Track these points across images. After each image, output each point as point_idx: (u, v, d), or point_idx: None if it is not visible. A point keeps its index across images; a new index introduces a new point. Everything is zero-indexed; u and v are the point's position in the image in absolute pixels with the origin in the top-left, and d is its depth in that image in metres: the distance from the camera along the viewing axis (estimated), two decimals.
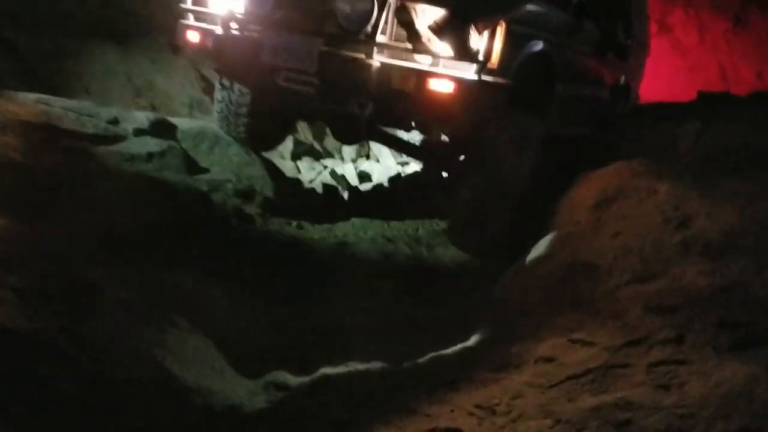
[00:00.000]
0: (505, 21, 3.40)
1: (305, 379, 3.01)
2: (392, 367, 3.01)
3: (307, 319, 3.61)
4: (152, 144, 4.52)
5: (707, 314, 2.29)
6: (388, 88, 3.38)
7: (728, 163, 3.32)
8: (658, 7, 11.70)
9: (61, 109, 4.39)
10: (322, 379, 2.95)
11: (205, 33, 3.93)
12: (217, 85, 4.58)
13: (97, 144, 4.38)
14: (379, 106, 3.45)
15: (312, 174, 6.09)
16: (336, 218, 5.03)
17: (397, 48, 3.46)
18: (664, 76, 11.55)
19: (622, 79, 6.04)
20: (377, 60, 3.39)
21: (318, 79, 3.54)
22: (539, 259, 3.23)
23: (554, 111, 4.34)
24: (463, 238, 3.96)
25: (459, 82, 3.31)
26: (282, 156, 6.06)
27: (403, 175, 6.32)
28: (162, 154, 4.48)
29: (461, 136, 3.90)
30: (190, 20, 4.08)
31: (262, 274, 3.92)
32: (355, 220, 5.05)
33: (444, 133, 3.90)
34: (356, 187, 5.92)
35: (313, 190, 5.67)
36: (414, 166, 6.61)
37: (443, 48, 3.34)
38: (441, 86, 3.31)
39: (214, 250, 3.97)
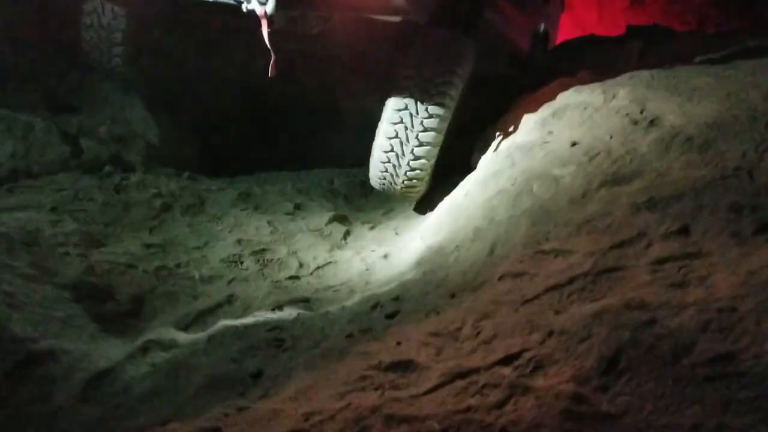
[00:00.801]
0: None
1: (199, 335, 2.35)
2: (310, 313, 2.40)
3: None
4: None
5: (714, 201, 1.82)
6: None
7: (681, 71, 2.92)
8: None
9: None
10: (222, 331, 2.29)
11: None
12: (84, 6, 3.76)
13: None
14: (283, 3, 2.80)
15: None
16: (235, 174, 4.35)
17: None
18: None
19: (542, 26, 5.67)
20: None
21: None
22: (482, 179, 2.70)
23: (480, 39, 3.82)
24: (387, 175, 3.38)
25: None
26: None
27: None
28: (16, 87, 3.66)
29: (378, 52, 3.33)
30: None
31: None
32: (259, 174, 4.39)
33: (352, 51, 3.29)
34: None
35: (206, 146, 4.93)
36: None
37: None
38: None
39: (83, 198, 3.21)
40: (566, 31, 12.14)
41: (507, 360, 1.45)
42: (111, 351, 2.22)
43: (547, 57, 4.90)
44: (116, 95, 3.96)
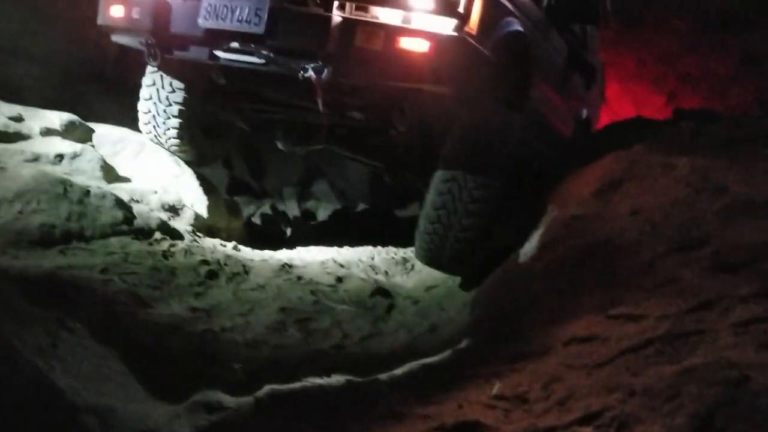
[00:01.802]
0: None
1: (246, 398, 2.26)
2: (363, 379, 2.31)
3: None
4: (63, 145, 3.79)
5: None
6: (351, 49, 2.83)
7: (738, 147, 2.88)
8: None
9: None
10: (269, 396, 2.21)
11: (130, 4, 3.32)
12: (144, 80, 3.91)
13: None
14: (339, 71, 2.87)
15: (250, 209, 5.40)
16: (278, 246, 4.35)
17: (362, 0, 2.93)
18: None
19: (584, 112, 5.72)
20: (338, 15, 2.85)
21: (267, 43, 2.96)
22: (539, 249, 2.64)
23: (527, 115, 3.84)
24: (433, 246, 3.32)
25: (435, 39, 2.79)
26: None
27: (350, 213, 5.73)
28: (74, 156, 3.76)
29: (429, 123, 3.35)
30: None
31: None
32: (300, 248, 4.39)
33: (406, 122, 3.33)
34: (299, 220, 5.28)
35: (251, 221, 4.99)
36: (362, 207, 6.03)
37: (415, 2, 2.83)
38: (414, 45, 2.79)
39: (132, 262, 3.22)
40: (604, 124, 12.32)
41: (586, 419, 1.35)
42: (155, 411, 2.14)
43: (592, 138, 4.90)
44: (168, 168, 4.04)
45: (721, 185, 2.40)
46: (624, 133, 3.76)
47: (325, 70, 2.88)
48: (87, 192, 3.43)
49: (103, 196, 3.48)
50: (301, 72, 2.92)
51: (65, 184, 3.38)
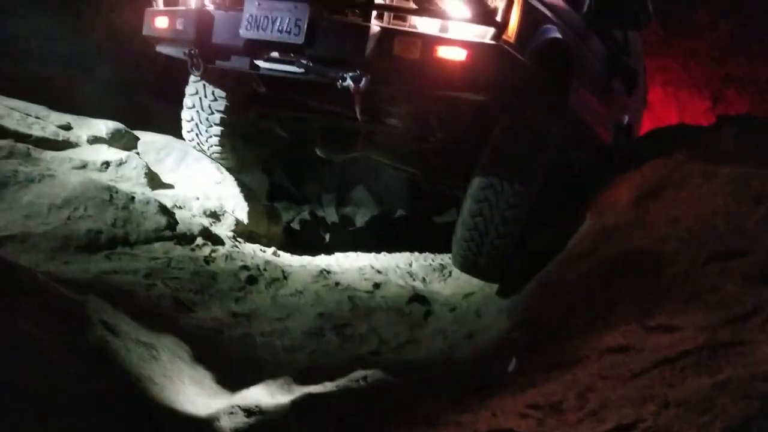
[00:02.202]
0: None
1: (284, 402, 2.31)
2: (396, 380, 2.33)
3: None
4: (109, 153, 3.92)
5: None
6: (389, 57, 2.86)
7: None
8: None
9: (3, 108, 3.79)
10: (306, 399, 2.25)
11: (174, 15, 3.41)
12: (187, 89, 4.02)
13: (44, 148, 3.76)
14: (377, 80, 2.90)
15: (289, 215, 5.47)
16: (317, 252, 4.41)
17: (399, 9, 2.96)
18: None
19: (626, 118, 5.65)
20: (376, 24, 2.89)
21: (306, 53, 3.01)
22: (575, 257, 2.63)
23: (566, 120, 3.81)
24: (469, 253, 3.32)
25: (473, 48, 2.81)
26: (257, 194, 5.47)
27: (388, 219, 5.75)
28: (120, 164, 3.87)
29: (466, 130, 3.37)
30: (159, 4, 3.57)
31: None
32: (339, 254, 4.43)
33: (444, 129, 3.35)
34: (338, 226, 5.32)
35: (290, 226, 5.05)
36: (401, 212, 6.05)
37: (454, 8, 2.85)
38: (451, 54, 2.81)
39: (175, 267, 3.31)
40: (645, 131, 12.13)
41: (620, 430, 1.35)
42: (196, 413, 2.20)
43: (634, 144, 4.84)
44: (210, 174, 4.12)
45: (762, 194, 2.36)
46: (665, 139, 3.71)
47: (364, 79, 2.91)
48: (132, 198, 3.53)
49: (148, 202, 3.58)
50: (340, 81, 2.96)
51: (111, 191, 3.49)
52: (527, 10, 3.04)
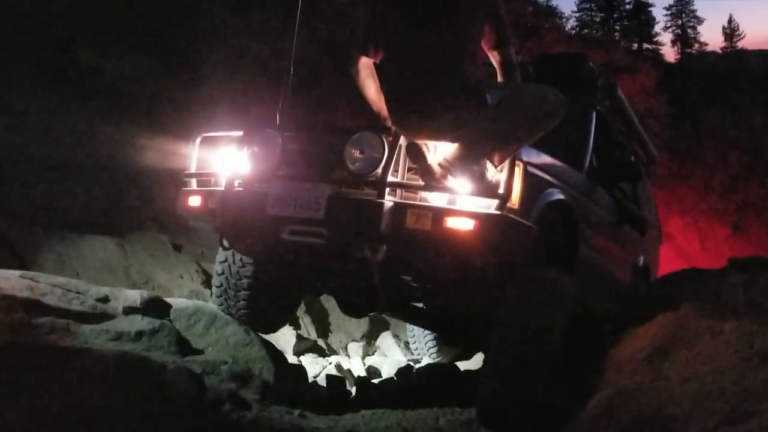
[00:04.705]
0: (522, 161, 3.20)
1: None
2: None
3: None
4: (143, 323, 4.12)
5: None
6: (403, 229, 3.08)
7: None
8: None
9: (47, 285, 4.06)
10: None
11: (207, 195, 3.73)
12: (217, 257, 4.29)
13: (83, 322, 3.98)
14: (393, 250, 3.11)
15: (316, 369, 5.56)
16: (343, 410, 4.44)
17: (410, 186, 3.22)
18: None
19: (641, 259, 5.79)
20: (389, 200, 3.14)
21: (326, 226, 3.25)
22: (595, 419, 2.68)
23: (579, 276, 3.98)
24: (495, 411, 3.36)
25: (480, 218, 3.02)
26: (283, 351, 5.59)
27: (415, 368, 5.78)
28: (152, 333, 4.07)
29: (481, 290, 3.52)
30: (192, 185, 3.91)
31: None
32: (365, 412, 4.46)
33: (461, 290, 3.51)
34: (365, 380, 5.37)
35: (316, 383, 5.12)
36: (427, 360, 6.09)
37: (459, 184, 3.10)
38: (460, 224, 3.02)
39: None
40: (668, 260, 12.16)
41: None
42: None
43: (647, 290, 4.94)
44: (238, 336, 4.29)
45: (767, 352, 2.43)
46: (675, 288, 3.82)
47: (380, 250, 3.13)
48: (163, 368, 3.68)
49: (178, 371, 3.72)
50: (358, 252, 3.18)
51: (144, 362, 3.65)
52: (528, 179, 3.28)
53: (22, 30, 8.67)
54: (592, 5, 56.04)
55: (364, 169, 3.26)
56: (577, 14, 55.47)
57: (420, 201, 3.19)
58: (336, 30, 10.50)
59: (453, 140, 3.07)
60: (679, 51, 52.33)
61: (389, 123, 3.32)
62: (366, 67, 3.41)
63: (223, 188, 3.65)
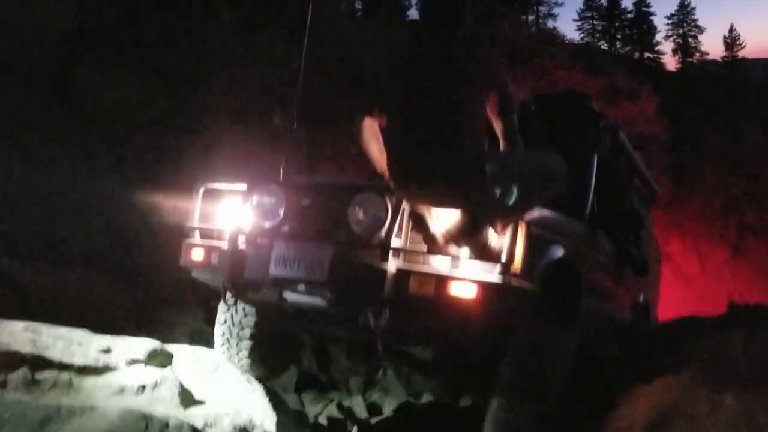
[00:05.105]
0: (524, 222, 3.22)
1: None
2: None
3: None
4: (145, 375, 4.12)
5: None
6: (406, 295, 3.10)
7: None
8: (655, 233, 11.99)
9: (49, 337, 4.07)
10: None
11: (209, 249, 3.76)
12: (220, 306, 4.31)
13: (85, 374, 3.99)
14: (396, 315, 3.14)
15: (317, 408, 5.57)
16: None
17: (412, 251, 3.25)
18: (671, 305, 11.39)
19: (641, 297, 5.81)
20: (392, 265, 3.16)
21: (329, 288, 3.27)
22: None
23: (580, 326, 4.02)
24: None
25: (482, 285, 3.04)
26: (285, 388, 5.60)
27: (417, 405, 5.79)
28: (155, 386, 4.06)
29: (483, 349, 3.54)
30: (196, 239, 3.93)
31: None
32: None
33: (463, 347, 3.54)
34: (366, 419, 5.38)
35: (317, 423, 5.13)
36: (428, 398, 6.10)
37: (461, 250, 3.12)
38: (463, 291, 3.04)
39: None
40: (668, 283, 12.17)
41: None
42: None
43: (647, 337, 4.96)
44: (240, 386, 4.30)
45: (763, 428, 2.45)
46: (673, 341, 3.85)
47: (383, 315, 3.15)
48: (166, 425, 3.69)
49: (181, 427, 3.73)
50: (361, 316, 3.20)
51: (147, 420, 3.66)
52: (531, 240, 3.29)
53: (23, 55, 8.71)
54: (594, 14, 56.31)
55: (367, 231, 3.29)
56: (579, 22, 55.79)
57: (423, 264, 3.21)
58: (344, 59, 10.54)
59: (455, 208, 3.09)
60: (680, 60, 52.52)
61: (392, 184, 3.34)
62: (369, 128, 3.44)
63: (226, 244, 3.67)
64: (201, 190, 3.99)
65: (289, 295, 3.48)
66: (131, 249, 6.34)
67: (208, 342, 5.53)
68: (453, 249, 3.13)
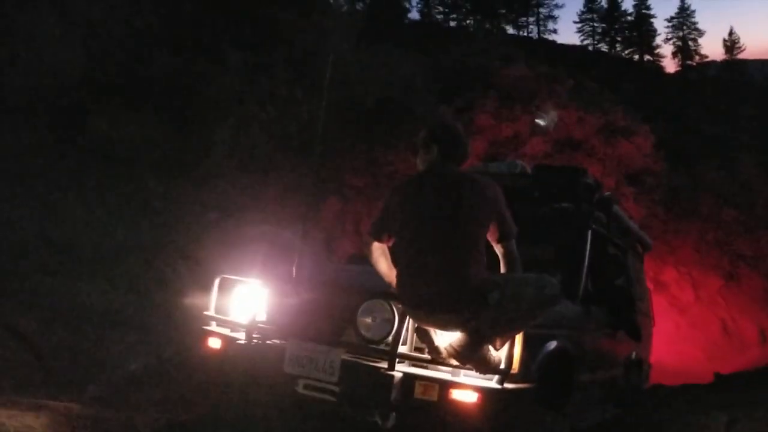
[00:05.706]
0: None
1: None
2: None
3: None
4: None
5: None
6: (411, 399, 3.35)
7: None
8: (650, 265, 12.25)
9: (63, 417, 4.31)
10: None
11: (226, 340, 4.00)
12: None
13: None
14: (402, 417, 3.39)
15: None
16: None
17: (418, 358, 3.50)
18: (665, 333, 11.64)
19: (634, 353, 6.07)
20: (399, 370, 3.41)
21: (339, 388, 3.52)
22: None
23: (574, 401, 4.30)
24: None
25: (483, 392, 3.28)
26: None
27: None
28: None
29: None
30: (212, 326, 4.17)
31: None
32: None
33: None
34: None
35: None
36: None
37: (461, 362, 3.38)
38: (464, 396, 3.29)
39: None
40: (662, 311, 12.45)
41: None
42: None
43: (643, 406, 5.21)
44: None
45: None
46: (665, 408, 4.07)
47: (390, 417, 3.40)
48: None
49: None
50: (369, 416, 3.45)
51: None
52: (527, 341, 3.52)
53: (34, 99, 8.94)
54: (594, 16, 56.43)
55: (376, 336, 3.54)
56: (579, 24, 55.96)
57: (429, 370, 3.46)
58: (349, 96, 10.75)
59: (458, 330, 3.34)
60: (680, 63, 52.65)
61: (402, 305, 3.55)
62: (378, 248, 3.70)
63: (241, 336, 3.90)
64: (217, 281, 4.23)
65: (301, 390, 3.69)
66: (146, 302, 6.57)
67: None
68: (454, 362, 3.38)
